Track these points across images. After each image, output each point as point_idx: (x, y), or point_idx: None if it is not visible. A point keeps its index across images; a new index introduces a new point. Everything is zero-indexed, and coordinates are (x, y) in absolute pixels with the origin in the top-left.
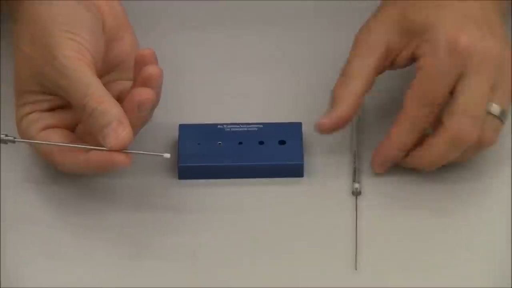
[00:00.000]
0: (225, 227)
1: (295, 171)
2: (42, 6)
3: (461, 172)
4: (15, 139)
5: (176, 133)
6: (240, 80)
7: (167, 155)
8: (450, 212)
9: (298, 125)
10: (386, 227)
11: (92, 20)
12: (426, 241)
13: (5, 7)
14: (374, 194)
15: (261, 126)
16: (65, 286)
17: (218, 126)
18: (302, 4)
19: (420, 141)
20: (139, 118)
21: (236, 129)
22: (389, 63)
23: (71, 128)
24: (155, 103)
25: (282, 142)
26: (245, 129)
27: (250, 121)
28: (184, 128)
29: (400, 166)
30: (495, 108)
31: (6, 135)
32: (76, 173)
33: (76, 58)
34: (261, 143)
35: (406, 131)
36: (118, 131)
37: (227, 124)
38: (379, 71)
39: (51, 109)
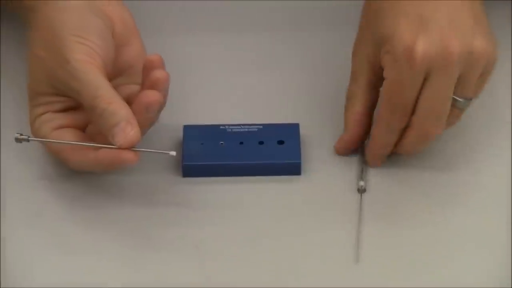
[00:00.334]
0: (226, 222)
1: (293, 169)
2: (55, 13)
3: (465, 173)
4: (29, 138)
5: (180, 134)
6: (241, 83)
7: (173, 153)
8: (452, 211)
9: (296, 126)
10: (386, 224)
11: (102, 26)
12: (427, 240)
13: (20, 16)
14: (376, 191)
15: (261, 127)
16: (75, 276)
17: (220, 127)
18: (301, 9)
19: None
20: (147, 119)
21: (237, 129)
22: (379, 76)
23: (82, 128)
24: (162, 105)
25: (280, 142)
26: (246, 129)
27: (250, 122)
28: (188, 129)
29: (402, 163)
30: (459, 102)
31: (21, 134)
32: (87, 170)
33: (87, 62)
34: (261, 143)
35: (385, 133)
36: (127, 130)
37: (228, 125)
38: (375, 86)
39: (63, 110)
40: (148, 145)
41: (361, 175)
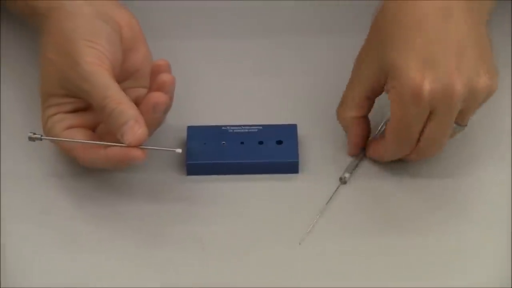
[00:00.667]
0: (228, 217)
1: (291, 168)
2: (66, 19)
3: (466, 179)
4: (42, 137)
5: (184, 134)
6: (241, 86)
7: (179, 150)
8: (453, 215)
9: (293, 127)
10: (387, 228)
11: (110, 32)
12: (428, 242)
13: (33, 23)
14: (376, 197)
15: (261, 127)
16: (85, 270)
17: (222, 128)
18: (300, 16)
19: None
20: (154, 119)
21: (238, 130)
22: (377, 93)
23: (92, 128)
24: (168, 106)
25: (279, 142)
26: (246, 130)
27: (250, 123)
28: (191, 130)
29: (404, 170)
30: (456, 128)
31: (34, 134)
32: (96, 168)
33: (96, 64)
34: (261, 142)
35: (392, 154)
36: (135, 129)
37: (230, 125)
38: (370, 98)
39: (74, 111)
40: (155, 144)
41: (350, 169)
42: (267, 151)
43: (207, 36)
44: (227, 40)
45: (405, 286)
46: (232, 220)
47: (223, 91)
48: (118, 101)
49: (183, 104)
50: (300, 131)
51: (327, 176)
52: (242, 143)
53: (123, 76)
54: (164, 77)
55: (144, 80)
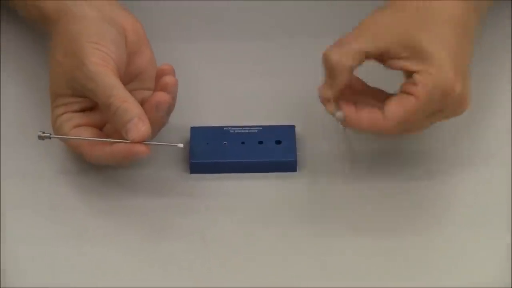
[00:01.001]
0: (229, 213)
1: (289, 166)
2: (73, 23)
3: (464, 176)
4: (51, 136)
5: (188, 134)
6: (242, 88)
7: (181, 145)
8: (452, 213)
9: (292, 127)
10: (385, 228)
11: (116, 35)
12: (428, 241)
13: (42, 27)
14: (373, 197)
15: (261, 128)
16: (92, 263)
17: (224, 128)
18: (298, 17)
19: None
20: (157, 118)
21: (239, 130)
22: (375, 56)
23: (99, 126)
24: (171, 106)
25: (278, 142)
26: (247, 130)
27: (251, 124)
28: (195, 130)
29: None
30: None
31: (43, 132)
32: (103, 164)
33: (102, 65)
34: (261, 142)
35: (391, 130)
36: (139, 126)
37: (231, 126)
38: (368, 58)
39: (81, 110)
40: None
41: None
42: (266, 151)
43: (208, 38)
44: (227, 42)
45: (405, 286)
46: (232, 215)
47: (224, 93)
48: (123, 100)
49: (187, 105)
50: (298, 132)
51: (323, 174)
52: (242, 143)
53: (128, 78)
54: (167, 79)
55: (149, 83)
